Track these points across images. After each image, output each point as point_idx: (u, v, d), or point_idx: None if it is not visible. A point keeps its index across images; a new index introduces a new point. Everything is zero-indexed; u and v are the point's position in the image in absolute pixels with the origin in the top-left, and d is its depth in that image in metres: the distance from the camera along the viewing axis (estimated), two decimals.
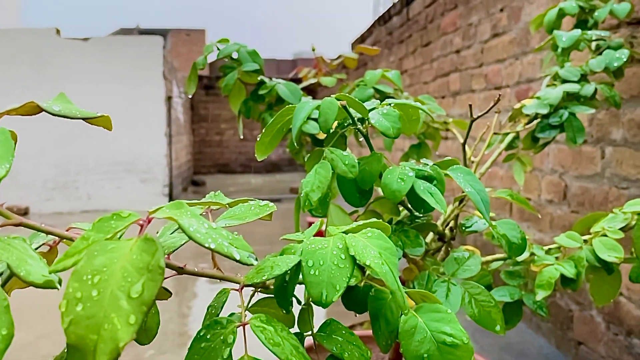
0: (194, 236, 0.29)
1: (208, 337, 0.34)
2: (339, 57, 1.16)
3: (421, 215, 0.57)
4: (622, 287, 1.52)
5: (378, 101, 0.54)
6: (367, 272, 0.44)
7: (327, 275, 0.35)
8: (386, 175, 0.50)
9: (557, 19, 1.31)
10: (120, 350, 0.24)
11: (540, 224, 1.91)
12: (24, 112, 0.39)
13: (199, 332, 0.34)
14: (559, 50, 1.23)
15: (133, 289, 0.26)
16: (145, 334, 0.39)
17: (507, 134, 0.99)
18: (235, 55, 0.99)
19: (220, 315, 0.38)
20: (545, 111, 1.01)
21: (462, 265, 0.55)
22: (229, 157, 8.48)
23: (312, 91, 4.15)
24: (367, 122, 0.51)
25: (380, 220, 0.41)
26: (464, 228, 0.62)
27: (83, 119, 0.40)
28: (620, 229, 0.67)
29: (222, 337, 0.33)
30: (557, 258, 0.70)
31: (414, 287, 0.53)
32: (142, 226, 0.30)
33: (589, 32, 1.20)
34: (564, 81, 1.12)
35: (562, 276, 0.67)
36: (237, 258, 0.31)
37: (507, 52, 2.07)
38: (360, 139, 0.85)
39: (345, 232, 0.39)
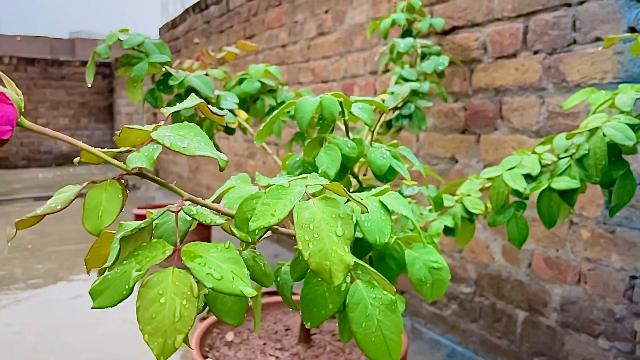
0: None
1: None
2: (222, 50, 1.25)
3: (370, 187, 0.74)
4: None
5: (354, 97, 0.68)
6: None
7: (377, 225, 0.49)
8: (370, 154, 0.65)
9: (390, 27, 1.60)
10: (350, 267, 0.35)
11: None
12: None
13: None
14: (395, 53, 1.52)
15: (337, 230, 0.36)
16: (266, 278, 0.46)
17: (384, 121, 1.21)
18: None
19: None
20: (399, 104, 1.27)
21: None
22: (7, 149, 7.39)
23: None
24: (349, 114, 0.65)
25: (387, 187, 0.56)
26: (401, 194, 0.81)
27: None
28: (479, 190, 0.94)
29: None
30: (438, 215, 0.94)
31: None
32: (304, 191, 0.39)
33: (418, 40, 1.51)
34: (405, 80, 1.40)
35: (445, 227, 0.91)
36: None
37: (332, 50, 2.35)
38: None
39: (375, 196, 0.53)
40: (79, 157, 0.37)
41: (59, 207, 0.36)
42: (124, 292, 0.34)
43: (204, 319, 1.76)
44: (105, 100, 8.05)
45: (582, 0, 1.32)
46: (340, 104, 0.63)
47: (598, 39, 1.29)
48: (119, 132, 0.36)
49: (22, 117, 0.34)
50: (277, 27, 2.78)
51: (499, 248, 1.62)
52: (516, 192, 0.90)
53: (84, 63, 7.92)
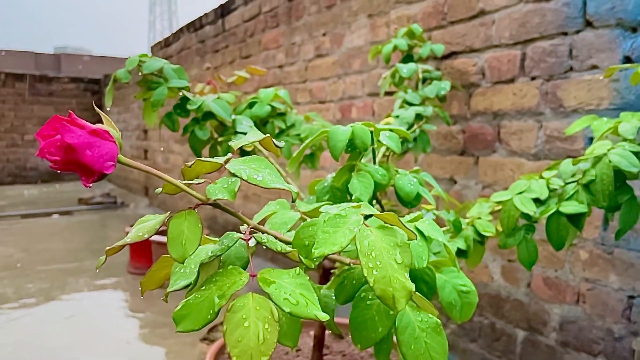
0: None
1: None
2: (233, 75, 1.27)
3: (391, 211, 0.77)
4: None
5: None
6: None
7: (415, 250, 0.52)
8: (398, 180, 0.67)
9: (391, 52, 1.65)
10: (413, 294, 0.37)
11: None
12: None
13: None
14: (397, 77, 1.56)
15: (396, 258, 0.38)
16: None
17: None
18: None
19: None
20: (405, 128, 1.30)
21: None
22: None
23: None
24: (378, 142, 0.68)
25: (420, 213, 0.58)
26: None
27: None
28: (489, 213, 0.97)
29: None
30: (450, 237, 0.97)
31: None
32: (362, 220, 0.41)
33: (419, 65, 1.56)
34: (409, 104, 1.44)
35: (458, 249, 0.94)
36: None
37: (330, 72, 2.39)
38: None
39: (410, 222, 0.55)
40: (161, 189, 0.39)
41: (146, 236, 0.38)
42: (209, 317, 0.36)
43: (204, 339, 1.75)
44: (93, 117, 8.00)
45: (578, 30, 1.38)
46: (371, 133, 0.66)
47: (594, 67, 1.35)
48: (190, 163, 0.38)
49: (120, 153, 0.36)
50: (274, 48, 2.82)
51: (498, 268, 1.66)
52: (526, 216, 0.93)
53: (73, 80, 7.90)
